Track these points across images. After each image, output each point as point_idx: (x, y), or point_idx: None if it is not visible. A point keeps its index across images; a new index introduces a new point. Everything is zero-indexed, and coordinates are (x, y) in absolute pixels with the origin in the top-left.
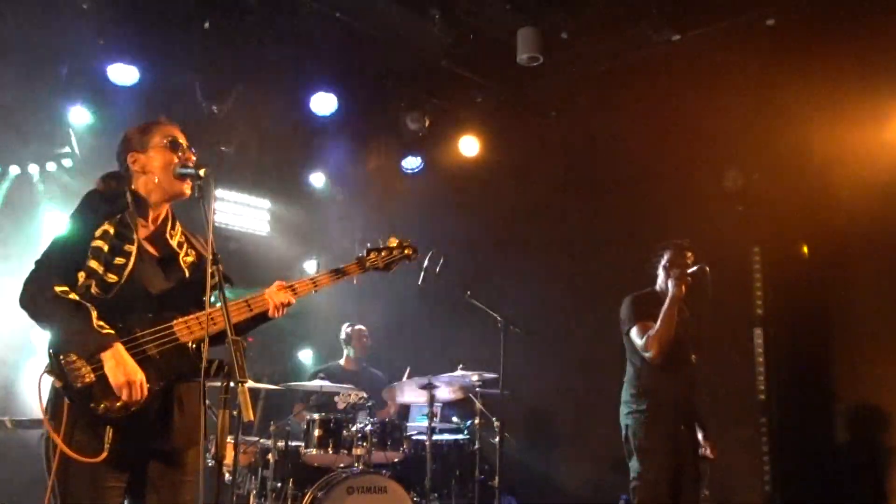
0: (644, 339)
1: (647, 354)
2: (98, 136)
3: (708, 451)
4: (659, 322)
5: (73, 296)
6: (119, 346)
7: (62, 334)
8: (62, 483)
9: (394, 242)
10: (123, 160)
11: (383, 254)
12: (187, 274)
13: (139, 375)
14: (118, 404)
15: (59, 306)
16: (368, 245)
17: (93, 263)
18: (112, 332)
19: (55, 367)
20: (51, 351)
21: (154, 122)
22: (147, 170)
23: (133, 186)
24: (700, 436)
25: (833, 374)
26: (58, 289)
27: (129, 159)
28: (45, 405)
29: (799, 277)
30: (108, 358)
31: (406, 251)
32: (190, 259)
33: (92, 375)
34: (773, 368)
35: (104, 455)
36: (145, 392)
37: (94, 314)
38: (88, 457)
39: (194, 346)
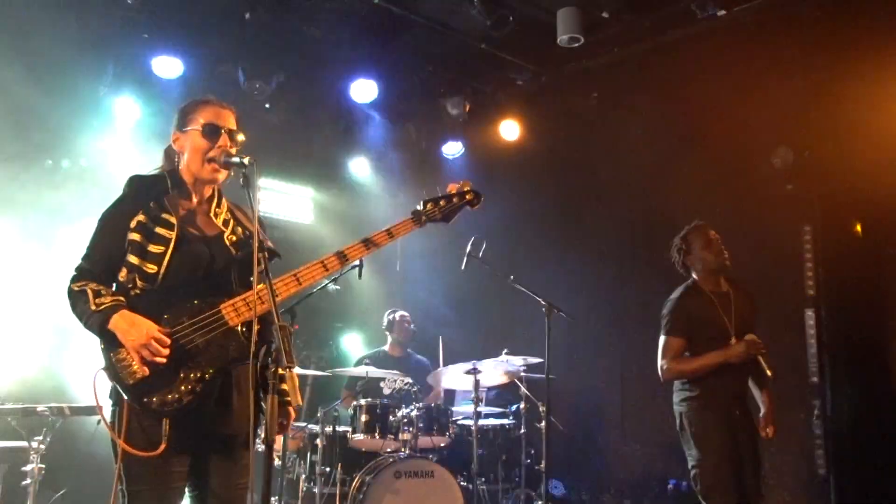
0: (666, 359)
1: (660, 366)
2: (144, 128)
3: (766, 432)
4: (693, 364)
5: (75, 286)
6: (124, 313)
7: (84, 327)
8: (126, 471)
9: (453, 189)
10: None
11: (441, 203)
12: (234, 252)
13: (151, 331)
14: (170, 397)
15: (73, 303)
16: (425, 196)
17: (132, 258)
18: (113, 302)
19: (108, 365)
20: (103, 348)
21: (201, 102)
22: (182, 150)
23: (179, 165)
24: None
25: (888, 355)
26: (74, 286)
27: (173, 136)
28: (100, 401)
29: (851, 257)
30: (115, 329)
31: (467, 196)
32: (235, 237)
33: (145, 370)
34: (825, 350)
35: (163, 447)
36: (166, 348)
37: (91, 294)
38: (148, 450)
39: (245, 329)
